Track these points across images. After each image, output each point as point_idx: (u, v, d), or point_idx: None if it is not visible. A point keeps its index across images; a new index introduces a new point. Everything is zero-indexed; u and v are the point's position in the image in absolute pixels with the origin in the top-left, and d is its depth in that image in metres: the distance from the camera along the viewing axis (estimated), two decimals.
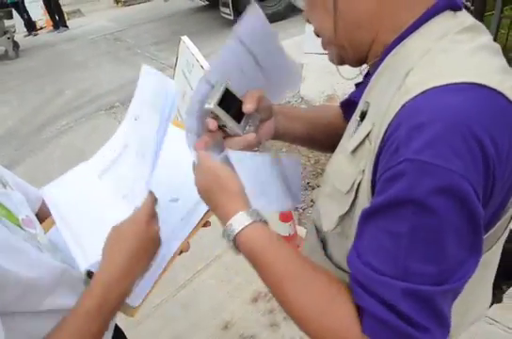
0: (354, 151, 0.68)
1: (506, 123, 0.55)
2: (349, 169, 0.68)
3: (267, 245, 0.66)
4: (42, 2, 8.92)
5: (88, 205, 0.92)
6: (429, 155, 0.52)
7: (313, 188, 3.19)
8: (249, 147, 0.83)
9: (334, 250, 0.81)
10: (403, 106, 0.58)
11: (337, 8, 0.67)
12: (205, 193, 0.74)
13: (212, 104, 0.75)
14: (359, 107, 0.72)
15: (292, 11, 7.14)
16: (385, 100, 0.63)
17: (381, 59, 0.68)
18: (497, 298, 0.93)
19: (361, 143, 0.66)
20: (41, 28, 9.63)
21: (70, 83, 6.05)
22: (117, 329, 1.13)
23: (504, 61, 0.63)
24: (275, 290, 0.65)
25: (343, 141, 0.76)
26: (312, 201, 3.07)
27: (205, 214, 0.88)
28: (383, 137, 0.60)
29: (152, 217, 0.79)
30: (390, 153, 0.57)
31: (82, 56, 7.24)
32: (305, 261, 0.65)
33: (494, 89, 0.55)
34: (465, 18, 0.65)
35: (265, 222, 0.68)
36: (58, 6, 8.94)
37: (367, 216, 0.60)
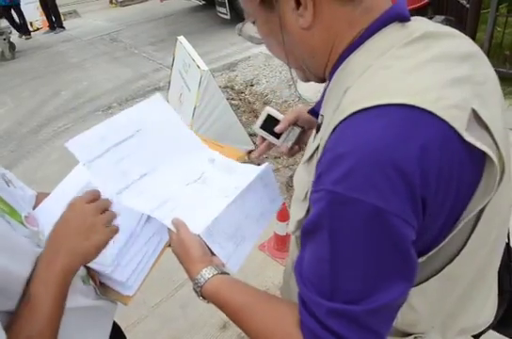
0: (307, 160, 0.71)
1: (435, 146, 0.53)
2: (304, 177, 0.70)
3: (226, 288, 0.75)
4: (39, 3, 8.90)
5: None
6: (345, 187, 0.54)
7: None
8: (288, 155, 1.08)
9: None
10: (335, 128, 0.59)
11: (285, 43, 0.68)
12: (178, 257, 0.85)
13: (255, 128, 1.06)
14: (319, 119, 0.73)
15: None
16: (329, 116, 0.64)
17: (331, 74, 0.69)
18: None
19: (312, 155, 0.69)
20: (38, 29, 9.62)
21: (66, 84, 6.04)
22: (115, 327, 1.12)
23: (463, 70, 0.60)
24: (235, 320, 0.72)
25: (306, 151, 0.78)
26: None
27: None
28: (320, 157, 0.61)
29: (85, 202, 0.81)
30: (316, 176, 0.59)
31: (78, 57, 7.22)
32: (257, 293, 0.73)
33: (425, 110, 0.53)
34: (418, 27, 0.63)
35: (224, 273, 0.79)
36: (55, 6, 8.92)
37: (302, 234, 0.64)
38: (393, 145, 0.52)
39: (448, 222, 0.61)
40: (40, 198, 0.97)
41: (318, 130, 0.70)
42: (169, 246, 0.88)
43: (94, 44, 7.87)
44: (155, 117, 0.99)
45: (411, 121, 0.54)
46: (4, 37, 7.51)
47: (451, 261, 0.66)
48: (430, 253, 0.63)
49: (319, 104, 0.75)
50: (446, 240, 0.62)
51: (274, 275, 2.30)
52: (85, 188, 0.96)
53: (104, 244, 0.79)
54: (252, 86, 4.91)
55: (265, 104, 4.44)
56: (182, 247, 0.82)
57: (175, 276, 2.42)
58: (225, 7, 6.68)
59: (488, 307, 0.84)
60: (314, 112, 0.76)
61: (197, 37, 6.36)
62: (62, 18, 9.37)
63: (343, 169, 0.54)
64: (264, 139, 1.08)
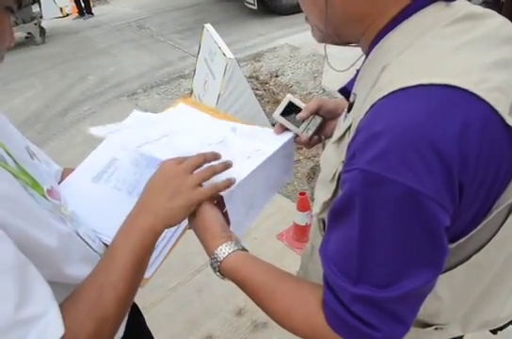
0: (337, 141, 0.69)
1: (476, 128, 0.52)
2: (333, 157, 0.69)
3: (246, 264, 0.73)
4: None
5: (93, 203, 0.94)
6: (379, 167, 0.52)
7: None
8: (307, 145, 1.04)
9: None
10: (372, 106, 0.57)
11: (328, 5, 0.64)
12: (196, 232, 0.80)
13: (275, 114, 1.00)
14: (350, 98, 0.72)
15: None
16: (363, 94, 0.62)
17: (369, 51, 0.67)
18: None
19: (344, 135, 0.67)
20: (67, 15, 9.71)
21: (93, 69, 6.10)
22: (134, 307, 1.14)
23: (506, 53, 0.58)
24: (254, 298, 0.71)
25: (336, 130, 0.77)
26: None
27: None
28: (353, 136, 0.60)
29: (179, 161, 0.78)
30: (349, 155, 0.58)
31: (106, 43, 7.28)
32: (279, 271, 0.73)
33: (467, 91, 0.52)
34: (461, 7, 0.61)
35: (244, 249, 0.76)
36: None
37: (330, 215, 0.63)
38: (432, 124, 0.51)
39: (481, 210, 0.60)
40: (66, 173, 1.00)
41: (350, 109, 0.69)
42: (189, 228, 0.88)
43: (121, 31, 7.92)
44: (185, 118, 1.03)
45: (452, 101, 0.52)
46: (35, 21, 7.60)
47: (479, 249, 0.65)
48: (461, 240, 0.62)
49: (351, 82, 0.73)
50: (478, 228, 0.61)
51: (291, 264, 2.29)
52: (111, 164, 0.98)
53: (191, 206, 0.76)
54: (277, 77, 4.89)
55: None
56: (201, 221, 0.78)
57: (193, 261, 2.45)
58: None
59: (511, 301, 0.83)
60: (346, 91, 0.75)
61: (223, 26, 6.34)
62: (91, 4, 9.44)
63: (378, 148, 0.52)
64: (282, 128, 1.02)
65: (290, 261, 2.34)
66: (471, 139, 0.52)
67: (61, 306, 0.60)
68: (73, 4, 9.30)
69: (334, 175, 0.67)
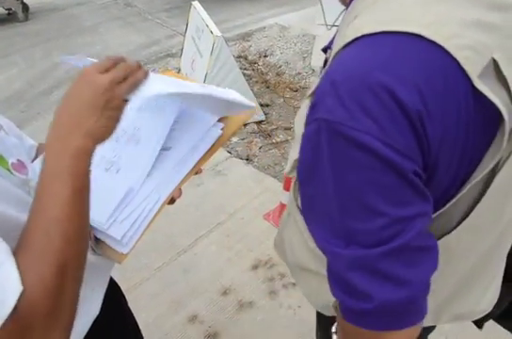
0: (310, 95, 0.65)
1: (439, 80, 0.49)
2: (303, 113, 0.65)
3: None
4: None
5: None
6: (338, 115, 0.50)
7: None
8: None
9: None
10: (335, 55, 0.55)
11: None
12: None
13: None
14: (327, 53, 0.70)
15: None
16: (335, 47, 0.59)
17: (349, 4, 0.64)
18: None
19: (315, 90, 0.64)
20: None
21: (79, 47, 5.95)
22: (115, 287, 1.12)
23: (493, 18, 0.53)
24: None
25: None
26: None
27: (198, 161, 0.87)
28: (315, 87, 0.58)
29: (98, 72, 0.63)
30: (311, 106, 0.56)
31: (92, 21, 7.10)
32: None
33: (435, 43, 0.49)
34: None
35: None
36: None
37: (299, 173, 0.61)
38: (392, 68, 0.49)
39: (453, 183, 0.57)
40: (41, 149, 0.94)
41: (325, 65, 0.66)
42: (169, 203, 0.86)
43: (108, 8, 7.72)
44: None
45: (417, 50, 0.49)
46: None
47: (450, 231, 0.63)
48: (432, 215, 0.59)
49: (332, 40, 0.71)
50: (448, 205, 0.59)
51: None
52: None
53: (119, 120, 0.66)
54: (266, 57, 4.82)
55: (278, 75, 4.36)
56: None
57: (179, 241, 2.43)
58: None
59: (489, 295, 0.81)
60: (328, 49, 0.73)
61: (212, 5, 6.20)
62: None
63: (336, 96, 0.51)
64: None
65: None
66: (433, 88, 0.49)
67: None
68: None
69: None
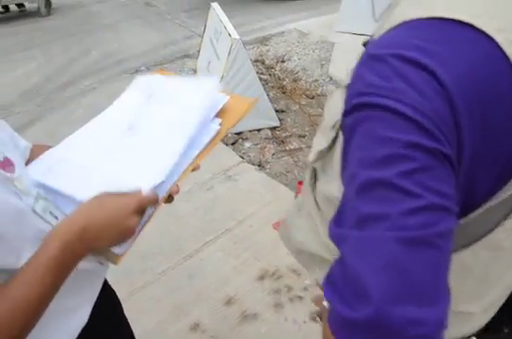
0: (347, 86, 0.62)
1: (483, 76, 0.47)
2: (338, 103, 0.62)
3: None
4: None
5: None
6: (379, 87, 0.48)
7: None
8: None
9: (318, 188, 0.77)
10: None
11: None
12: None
13: None
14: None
15: None
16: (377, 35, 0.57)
17: None
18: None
19: None
20: None
21: (97, 44, 5.97)
22: (110, 292, 1.08)
23: None
24: None
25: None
26: None
27: (196, 157, 0.85)
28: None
29: (140, 212, 0.74)
30: (348, 88, 0.54)
31: (111, 19, 7.13)
32: None
33: (484, 33, 0.46)
34: None
35: None
36: None
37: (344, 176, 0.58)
38: (435, 51, 0.46)
39: (484, 188, 0.53)
40: (35, 151, 0.90)
41: None
42: (166, 201, 0.82)
43: (128, 7, 7.75)
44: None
45: (467, 39, 0.47)
46: None
47: (468, 245, 0.59)
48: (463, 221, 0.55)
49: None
50: (475, 213, 0.55)
51: (286, 255, 2.25)
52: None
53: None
54: (283, 62, 4.78)
55: (295, 81, 4.32)
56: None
57: (186, 245, 2.40)
58: None
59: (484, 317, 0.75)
60: None
61: (231, 7, 6.18)
62: None
63: (379, 69, 0.48)
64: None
65: (284, 251, 2.28)
66: (473, 82, 0.46)
67: None
68: None
69: (336, 122, 0.62)
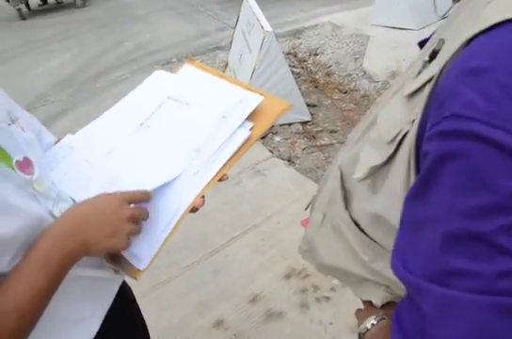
0: (411, 95, 0.54)
1: None
2: (399, 115, 0.55)
3: None
4: None
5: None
6: (482, 111, 0.38)
7: None
8: None
9: (357, 204, 0.69)
10: (468, 42, 0.43)
11: None
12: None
13: None
14: (430, 45, 0.58)
15: None
16: (458, 36, 0.48)
17: None
18: None
19: (421, 87, 0.52)
20: None
21: (130, 35, 6.01)
22: (129, 298, 1.03)
23: None
24: None
25: (406, 82, 0.61)
26: None
27: (222, 166, 0.77)
28: (436, 81, 0.46)
29: (126, 203, 0.70)
30: (436, 104, 0.44)
31: (144, 10, 7.16)
32: None
33: None
34: None
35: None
36: None
37: (408, 198, 0.48)
38: None
39: None
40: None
41: (431, 59, 0.55)
42: (191, 211, 0.76)
43: None
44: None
45: None
46: None
47: None
48: None
49: (432, 33, 0.61)
50: None
51: None
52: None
53: (115, 251, 0.71)
54: (316, 55, 4.69)
55: (328, 75, 4.23)
56: None
57: (212, 240, 2.37)
58: None
59: None
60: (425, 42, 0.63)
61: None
62: None
63: (480, 86, 0.39)
64: None
65: None
66: None
67: None
68: None
69: (396, 136, 0.54)
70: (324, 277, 2.12)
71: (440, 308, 0.41)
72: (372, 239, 0.66)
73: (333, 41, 4.94)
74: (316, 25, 5.45)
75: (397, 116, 0.55)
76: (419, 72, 0.55)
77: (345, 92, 3.90)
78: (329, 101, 3.76)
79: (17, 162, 0.65)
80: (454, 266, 0.40)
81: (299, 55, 4.72)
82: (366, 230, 0.67)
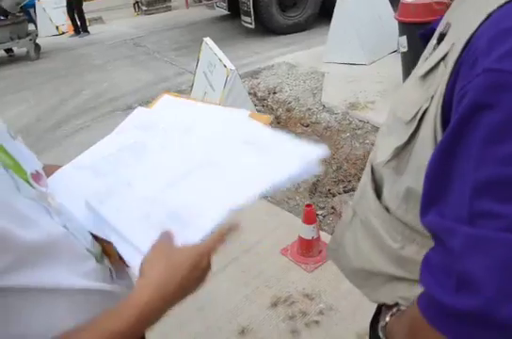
0: (425, 75, 0.59)
1: None
2: (416, 95, 0.59)
3: None
4: (66, 8, 8.99)
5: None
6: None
7: (334, 195, 3.07)
8: None
9: (387, 190, 0.71)
10: (489, 15, 0.47)
11: None
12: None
13: None
14: (437, 31, 0.63)
15: (312, 23, 7.14)
16: (470, 15, 0.52)
17: None
18: None
19: (435, 67, 0.57)
20: (63, 33, 9.73)
21: (87, 84, 6.03)
22: None
23: None
24: None
25: (414, 70, 0.67)
26: (333, 208, 2.95)
27: None
28: (461, 53, 0.50)
29: (212, 251, 0.71)
30: (467, 68, 0.48)
31: (101, 60, 7.24)
32: None
33: None
34: None
35: None
36: (81, 12, 8.99)
37: (434, 157, 0.51)
38: None
39: None
40: (46, 170, 0.84)
41: (440, 41, 0.59)
42: None
43: (117, 48, 7.90)
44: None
45: None
46: (30, 37, 7.60)
47: None
48: None
49: (437, 23, 0.66)
50: None
51: (297, 280, 2.17)
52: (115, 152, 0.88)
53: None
54: (275, 93, 4.85)
55: (288, 111, 4.36)
56: None
57: None
58: (250, 16, 6.69)
59: None
60: (426, 34, 0.67)
61: (221, 44, 6.19)
62: (87, 23, 9.46)
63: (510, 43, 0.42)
64: None
65: (295, 277, 2.20)
66: None
67: None
68: (70, 22, 9.33)
69: (416, 114, 0.57)
70: (310, 302, 2.10)
71: (469, 245, 0.44)
72: (402, 222, 0.67)
73: (290, 79, 5.13)
74: (272, 66, 5.66)
75: (413, 96, 0.59)
76: (426, 59, 0.60)
77: (307, 126, 4.02)
78: (293, 135, 3.85)
79: (32, 175, 0.63)
80: (483, 208, 0.43)
81: (259, 94, 4.86)
82: (397, 213, 0.68)
